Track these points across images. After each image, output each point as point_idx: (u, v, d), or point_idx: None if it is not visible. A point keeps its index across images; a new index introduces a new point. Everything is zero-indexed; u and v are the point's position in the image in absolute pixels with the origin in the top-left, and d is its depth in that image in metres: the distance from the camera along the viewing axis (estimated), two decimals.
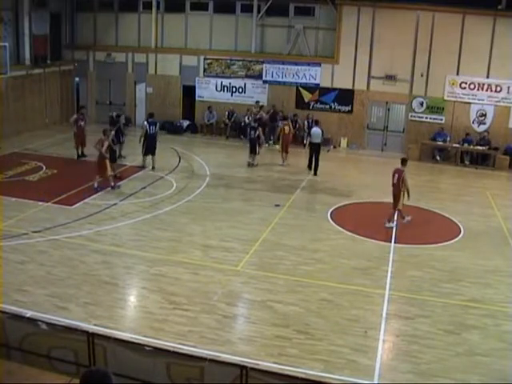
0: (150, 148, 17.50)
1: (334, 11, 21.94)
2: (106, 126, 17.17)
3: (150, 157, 17.60)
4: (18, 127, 21.23)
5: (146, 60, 24.28)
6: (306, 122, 21.63)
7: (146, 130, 17.42)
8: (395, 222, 13.60)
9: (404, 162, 13.67)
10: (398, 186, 13.27)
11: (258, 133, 18.76)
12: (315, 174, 18.34)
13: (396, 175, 13.39)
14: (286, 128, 19.50)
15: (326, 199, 15.65)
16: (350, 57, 21.90)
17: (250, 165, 18.89)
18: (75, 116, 18.93)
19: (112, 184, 15.47)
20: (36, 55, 22.50)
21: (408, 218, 13.60)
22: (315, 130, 18.71)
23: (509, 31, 19.98)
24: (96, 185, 15.26)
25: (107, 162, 15.33)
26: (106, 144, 15.28)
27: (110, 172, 15.40)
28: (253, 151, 18.86)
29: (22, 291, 9.38)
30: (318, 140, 18.49)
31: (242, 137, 22.88)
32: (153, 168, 17.59)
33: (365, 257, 11.75)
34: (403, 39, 21.14)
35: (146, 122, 17.71)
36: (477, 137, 20.78)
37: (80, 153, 18.63)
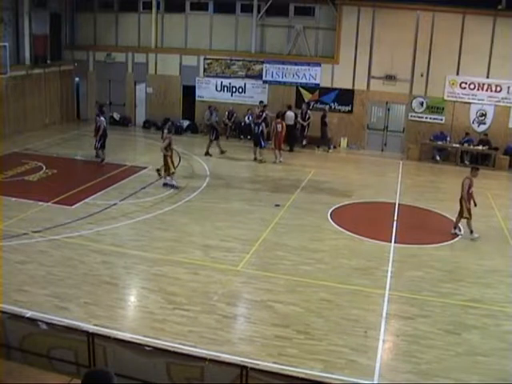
0: (105, 141, 17.81)
1: (334, 11, 21.93)
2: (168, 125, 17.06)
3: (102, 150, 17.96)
4: (17, 127, 21.24)
5: (145, 60, 24.28)
6: (300, 120, 21.92)
7: (104, 126, 17.69)
8: (462, 230, 13.29)
9: (472, 170, 13.35)
10: (462, 194, 13.03)
11: (261, 128, 19.53)
12: (291, 150, 21.16)
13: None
14: (279, 126, 19.62)
15: (326, 199, 15.64)
16: (349, 57, 21.89)
17: (255, 160, 19.55)
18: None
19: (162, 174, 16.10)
20: (36, 55, 22.49)
21: (476, 236, 12.98)
22: (288, 113, 21.21)
23: (509, 31, 19.97)
24: (171, 182, 15.74)
25: (168, 159, 15.66)
26: (165, 142, 15.66)
27: (172, 169, 15.80)
28: (256, 145, 19.52)
29: (22, 291, 9.37)
30: (291, 122, 21.04)
31: (242, 137, 22.93)
32: (102, 160, 17.88)
33: (365, 257, 11.75)
34: (403, 39, 21.14)
35: (102, 118, 17.89)
36: (477, 137, 20.78)
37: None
